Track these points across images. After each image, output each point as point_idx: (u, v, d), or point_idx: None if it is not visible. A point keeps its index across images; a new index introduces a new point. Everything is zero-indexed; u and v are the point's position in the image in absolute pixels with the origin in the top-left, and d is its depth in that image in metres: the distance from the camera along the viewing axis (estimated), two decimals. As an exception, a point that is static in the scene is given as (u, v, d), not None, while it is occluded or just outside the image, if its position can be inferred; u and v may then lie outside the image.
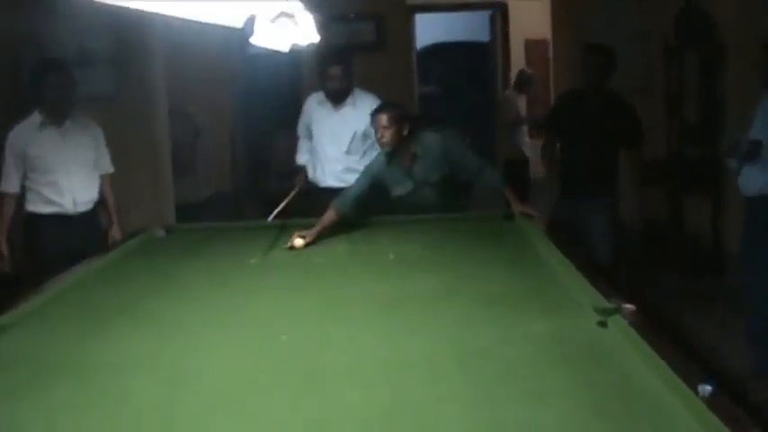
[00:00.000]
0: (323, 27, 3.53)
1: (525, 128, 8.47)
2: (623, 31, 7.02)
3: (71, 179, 4.59)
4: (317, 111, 5.24)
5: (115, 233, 4.79)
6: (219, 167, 10.08)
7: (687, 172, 6.36)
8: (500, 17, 11.12)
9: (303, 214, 4.65)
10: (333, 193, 5.01)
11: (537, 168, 6.97)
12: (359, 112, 5.09)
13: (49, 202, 4.57)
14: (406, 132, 4.42)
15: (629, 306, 2.57)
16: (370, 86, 7.73)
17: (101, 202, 4.82)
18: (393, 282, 3.33)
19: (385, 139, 4.39)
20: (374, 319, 2.83)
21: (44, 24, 6.01)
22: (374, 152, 4.91)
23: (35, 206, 4.58)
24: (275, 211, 4.81)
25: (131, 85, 6.96)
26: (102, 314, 3.01)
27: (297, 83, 9.43)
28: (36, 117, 4.56)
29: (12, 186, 4.56)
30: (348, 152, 5.15)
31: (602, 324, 2.53)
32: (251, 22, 2.69)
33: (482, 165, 4.57)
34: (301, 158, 5.39)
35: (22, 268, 4.59)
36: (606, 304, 2.63)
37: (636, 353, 2.25)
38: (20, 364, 2.50)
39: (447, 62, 13.25)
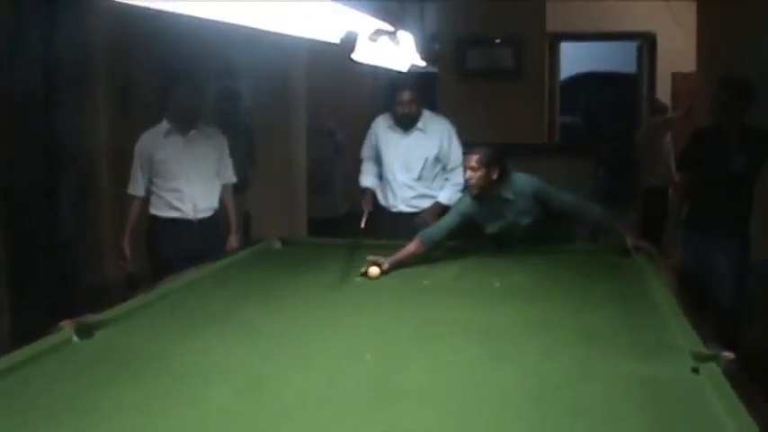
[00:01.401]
0: (433, 47, 3.51)
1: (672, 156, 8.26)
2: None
3: (192, 186, 4.73)
4: (386, 134, 5.18)
5: (233, 241, 4.90)
6: (358, 185, 10.20)
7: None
8: (647, 48, 10.82)
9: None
10: (404, 218, 4.96)
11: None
12: (429, 137, 5.06)
13: (171, 207, 4.72)
14: (495, 176, 4.25)
15: (728, 354, 2.41)
16: (505, 114, 7.68)
17: (222, 212, 4.92)
18: (492, 310, 3.26)
19: (473, 182, 4.26)
20: (463, 346, 2.78)
21: (188, 36, 6.23)
22: (445, 176, 4.92)
23: (158, 210, 4.75)
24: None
25: (271, 100, 7.12)
26: (197, 319, 3.09)
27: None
28: (164, 125, 4.75)
29: (138, 190, 4.74)
30: (420, 178, 5.10)
31: (695, 370, 2.38)
32: (350, 37, 2.69)
33: (578, 202, 4.39)
34: (365, 180, 5.28)
35: (142, 270, 4.73)
36: (704, 350, 2.48)
37: (722, 405, 2.10)
38: (106, 360, 2.58)
39: (592, 92, 12.99)
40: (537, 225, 4.37)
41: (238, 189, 6.16)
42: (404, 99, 5.03)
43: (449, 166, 5.13)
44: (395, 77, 5.06)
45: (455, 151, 5.13)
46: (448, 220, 4.36)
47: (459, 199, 4.48)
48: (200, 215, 4.77)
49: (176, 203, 4.71)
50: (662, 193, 7.92)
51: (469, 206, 4.36)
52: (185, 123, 4.73)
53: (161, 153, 4.69)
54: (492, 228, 4.44)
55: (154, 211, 4.75)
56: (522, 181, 4.34)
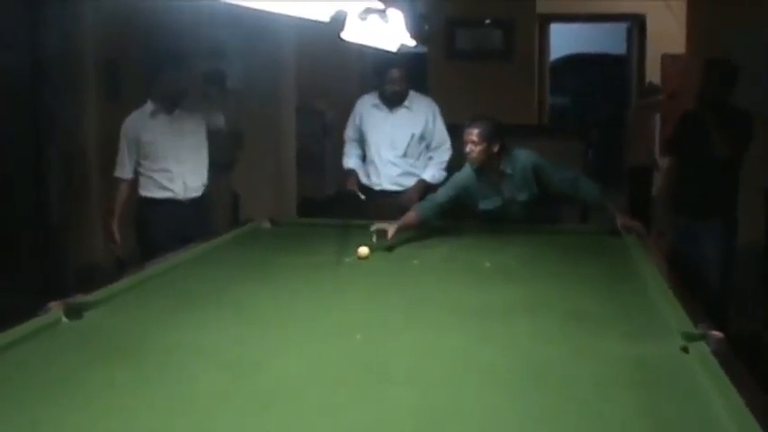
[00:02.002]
0: (423, 27, 3.50)
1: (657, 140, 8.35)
2: (762, 50, 6.69)
3: (181, 165, 4.71)
4: (370, 113, 5.19)
5: None
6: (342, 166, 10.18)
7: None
8: (637, 30, 10.82)
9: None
10: (389, 196, 4.99)
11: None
12: (415, 115, 5.09)
13: (161, 187, 4.69)
14: (496, 149, 4.26)
15: (716, 333, 2.42)
16: (494, 95, 7.67)
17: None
18: (482, 291, 3.27)
19: (473, 155, 4.27)
20: (453, 326, 2.78)
21: (177, 18, 6.19)
22: (429, 155, 4.99)
23: (148, 191, 4.71)
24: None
25: (259, 79, 7.08)
26: (186, 299, 3.09)
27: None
28: (149, 106, 4.71)
29: (125, 172, 4.70)
30: (405, 155, 5.11)
31: (685, 350, 2.39)
32: (339, 16, 2.68)
33: (576, 178, 4.39)
34: (349, 162, 5.27)
35: (133, 253, 4.72)
36: (693, 329, 2.49)
37: (712, 384, 2.11)
38: (96, 340, 2.58)
39: (581, 74, 13.00)
40: (532, 202, 4.38)
41: (225, 169, 6.14)
42: (393, 77, 5.06)
43: (433, 145, 5.16)
44: (382, 57, 5.05)
45: (439, 130, 5.18)
46: (444, 192, 4.38)
47: (460, 171, 4.46)
48: (191, 194, 4.74)
49: (166, 183, 4.68)
50: (645, 172, 8.12)
51: (467, 179, 4.37)
52: (170, 103, 4.70)
53: (148, 134, 4.66)
54: (487, 204, 4.45)
55: (143, 192, 4.72)
56: (522, 156, 4.34)
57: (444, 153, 5.16)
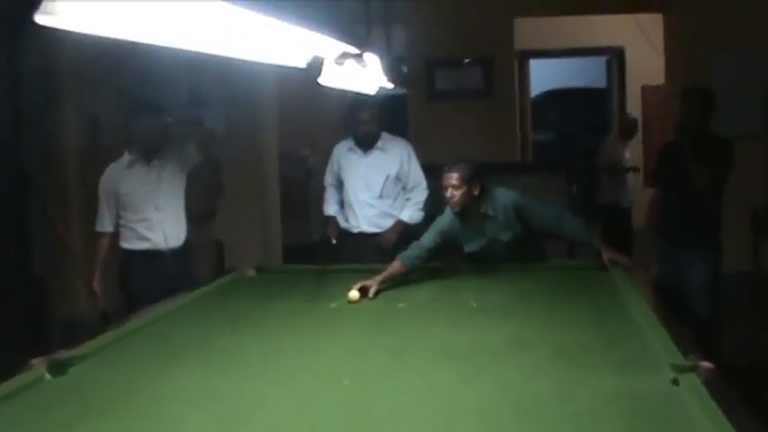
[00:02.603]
0: (400, 69, 3.53)
1: (631, 175, 8.33)
2: (741, 76, 6.79)
3: (161, 213, 4.69)
4: (345, 157, 5.26)
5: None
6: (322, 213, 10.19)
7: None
8: (617, 63, 10.94)
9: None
10: (367, 238, 5.02)
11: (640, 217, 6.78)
12: (389, 156, 5.16)
13: (141, 237, 4.67)
14: (476, 192, 4.26)
15: (707, 364, 2.42)
16: (476, 134, 7.71)
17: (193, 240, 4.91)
18: (469, 331, 3.26)
19: (455, 200, 4.25)
20: (441, 367, 2.77)
21: (155, 66, 6.22)
22: (406, 196, 5.05)
23: (129, 243, 4.70)
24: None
25: (241, 125, 7.11)
26: (172, 349, 3.07)
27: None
28: (126, 156, 4.71)
29: (106, 226, 4.69)
30: (381, 196, 5.16)
31: (675, 382, 2.39)
32: (316, 61, 2.70)
33: (559, 214, 4.38)
34: (330, 209, 5.33)
35: (116, 306, 4.69)
36: (683, 361, 2.49)
37: (704, 416, 2.10)
38: (81, 395, 2.55)
39: (563, 109, 13.11)
40: (517, 241, 4.37)
41: (206, 218, 6.13)
42: (364, 118, 5.12)
43: (409, 185, 5.21)
44: (354, 99, 5.12)
45: (414, 170, 5.23)
46: (428, 239, 4.33)
47: (442, 216, 4.43)
48: (172, 244, 4.72)
49: (146, 233, 4.66)
50: (617, 209, 8.11)
51: (450, 223, 4.36)
52: (148, 152, 4.69)
53: (126, 186, 4.65)
54: (471, 246, 4.44)
55: (125, 244, 4.70)
56: (503, 196, 4.34)
57: (421, 193, 5.22)
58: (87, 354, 2.90)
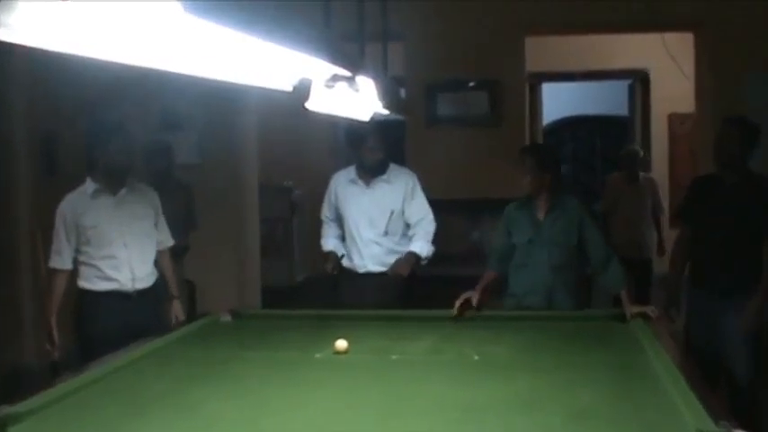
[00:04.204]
0: (398, 93, 3.55)
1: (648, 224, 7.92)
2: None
3: (128, 251, 4.68)
4: (345, 189, 5.31)
5: (178, 311, 4.91)
6: (318, 248, 10.21)
7: None
8: (640, 87, 10.99)
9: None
10: (375, 278, 5.03)
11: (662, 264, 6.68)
12: (393, 189, 5.22)
13: (105, 277, 4.65)
14: (548, 177, 4.63)
15: (740, 432, 2.42)
16: (481, 166, 7.71)
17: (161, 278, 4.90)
18: (470, 387, 3.25)
19: (526, 181, 4.62)
20: (438, 429, 2.77)
21: (124, 86, 6.23)
22: (411, 232, 5.22)
23: (89, 282, 4.67)
24: None
25: (218, 152, 7.13)
26: (139, 402, 3.07)
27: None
28: (89, 185, 4.68)
29: (64, 262, 4.66)
30: (386, 234, 5.19)
31: (703, 452, 2.39)
32: (303, 84, 2.72)
33: (610, 257, 4.64)
34: (328, 244, 5.39)
35: (71, 353, 4.65)
36: (713, 428, 2.48)
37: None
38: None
39: (579, 139, 13.16)
40: (565, 258, 4.64)
41: (176, 255, 6.11)
42: (371, 145, 5.17)
43: (413, 220, 5.26)
44: (357, 126, 5.14)
45: (418, 203, 5.29)
46: (498, 234, 4.82)
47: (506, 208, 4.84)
48: (139, 285, 4.71)
49: (110, 272, 4.64)
50: (632, 262, 7.06)
51: (511, 209, 4.78)
52: (115, 182, 4.68)
53: (90, 218, 4.62)
54: (521, 237, 4.72)
55: (84, 284, 4.67)
56: (572, 201, 4.73)
57: (428, 224, 5.28)
58: (33, 410, 2.87)
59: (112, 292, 4.65)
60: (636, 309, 4.32)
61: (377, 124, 5.17)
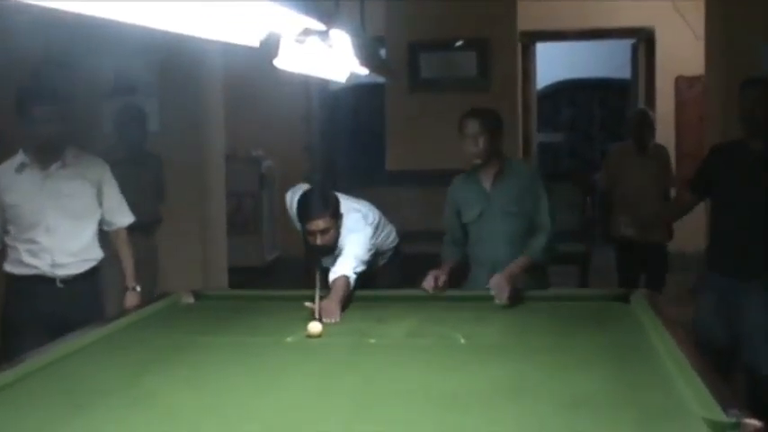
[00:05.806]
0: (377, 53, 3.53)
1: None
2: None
3: (51, 236, 4.51)
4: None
5: (132, 300, 4.74)
6: (289, 224, 10.20)
7: None
8: (644, 48, 10.98)
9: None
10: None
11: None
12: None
13: (23, 263, 4.54)
14: (497, 146, 4.62)
15: (754, 422, 2.42)
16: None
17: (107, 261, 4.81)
18: (455, 372, 3.27)
19: (476, 148, 4.55)
20: (419, 418, 2.77)
21: (73, 46, 6.17)
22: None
23: (11, 266, 4.58)
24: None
25: (179, 119, 7.08)
26: (85, 394, 3.04)
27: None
28: (18, 157, 4.53)
29: None
30: None
31: (710, 442, 2.40)
32: (272, 39, 2.71)
33: (546, 227, 4.65)
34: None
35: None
36: (722, 417, 2.49)
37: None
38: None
39: (577, 104, 13.19)
40: (522, 229, 4.64)
41: (148, 230, 6.06)
42: (312, 229, 4.57)
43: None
44: (301, 203, 4.70)
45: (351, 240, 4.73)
46: (448, 219, 4.85)
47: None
48: (60, 272, 4.55)
49: (28, 259, 4.51)
50: (633, 246, 6.88)
51: (454, 188, 4.82)
52: (45, 154, 4.50)
53: (12, 194, 4.49)
54: (470, 214, 4.73)
55: (7, 266, 4.57)
56: (523, 164, 4.88)
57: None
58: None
59: (33, 276, 4.52)
60: (499, 281, 4.35)
61: (320, 205, 4.60)
